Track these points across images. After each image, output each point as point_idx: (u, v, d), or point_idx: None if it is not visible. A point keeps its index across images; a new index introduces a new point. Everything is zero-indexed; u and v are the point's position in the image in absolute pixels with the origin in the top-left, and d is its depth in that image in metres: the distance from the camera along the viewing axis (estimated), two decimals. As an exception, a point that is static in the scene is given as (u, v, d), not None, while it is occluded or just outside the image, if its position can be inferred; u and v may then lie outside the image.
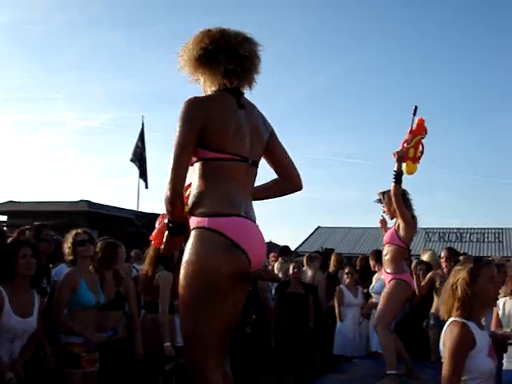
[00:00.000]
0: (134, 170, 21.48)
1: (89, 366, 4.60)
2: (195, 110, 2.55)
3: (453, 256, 6.85)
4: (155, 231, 3.31)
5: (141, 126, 21.67)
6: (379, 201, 5.52)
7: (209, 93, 2.68)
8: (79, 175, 47.44)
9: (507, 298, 4.93)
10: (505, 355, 3.97)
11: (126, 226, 17.14)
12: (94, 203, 20.96)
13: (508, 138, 66.13)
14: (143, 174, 21.24)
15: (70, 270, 4.76)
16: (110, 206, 21.84)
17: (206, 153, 2.55)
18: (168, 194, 2.48)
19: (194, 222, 2.51)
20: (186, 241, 2.54)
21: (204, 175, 2.56)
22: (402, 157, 5.06)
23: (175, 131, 2.53)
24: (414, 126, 5.19)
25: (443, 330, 3.02)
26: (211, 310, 2.45)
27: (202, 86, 2.74)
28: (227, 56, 2.62)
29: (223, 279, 2.41)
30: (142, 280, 5.53)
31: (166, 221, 2.61)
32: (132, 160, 21.20)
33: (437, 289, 6.97)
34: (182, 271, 2.48)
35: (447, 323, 3.01)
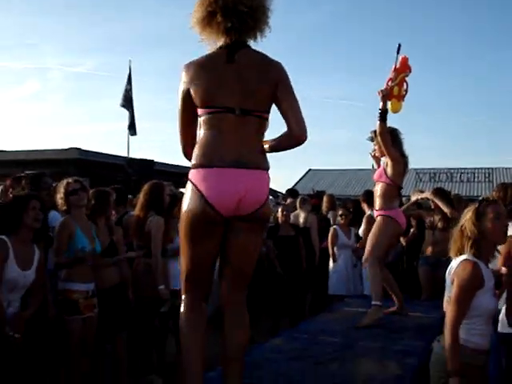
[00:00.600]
0: (124, 115, 21.30)
1: (87, 311, 4.69)
2: (183, 76, 2.83)
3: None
4: None
5: (128, 70, 21.36)
6: (371, 139, 5.52)
7: (210, 50, 2.86)
8: (68, 123, 47.04)
9: None
10: None
11: (116, 173, 17.08)
12: (84, 150, 20.75)
13: (498, 79, 65.86)
14: (131, 122, 21.05)
15: (65, 218, 4.79)
16: (100, 153, 21.65)
17: (197, 111, 2.81)
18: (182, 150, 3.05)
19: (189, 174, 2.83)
20: None
21: (199, 130, 2.84)
22: (386, 95, 5.06)
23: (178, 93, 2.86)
24: (398, 64, 5.16)
25: (453, 267, 3.07)
26: (185, 248, 2.85)
27: (209, 45, 2.87)
28: (225, 14, 2.74)
29: (191, 226, 2.76)
30: (134, 225, 5.55)
31: None
32: (123, 105, 20.97)
33: (426, 228, 7.07)
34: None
35: (458, 261, 3.06)
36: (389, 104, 5.13)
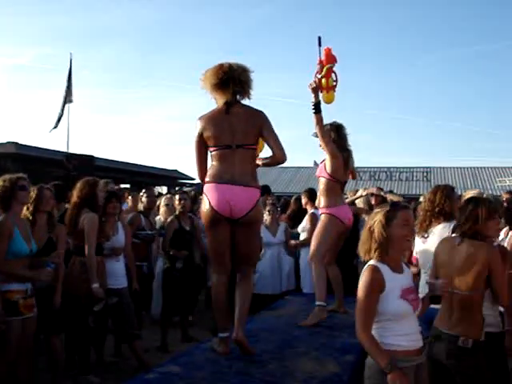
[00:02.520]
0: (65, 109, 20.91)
1: (27, 311, 4.55)
2: (198, 125, 4.17)
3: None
4: None
5: (69, 64, 20.97)
6: (316, 134, 5.41)
7: (217, 105, 4.22)
8: (6, 116, 45.63)
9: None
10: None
11: (56, 168, 16.71)
12: (22, 145, 20.20)
13: (438, 79, 67.65)
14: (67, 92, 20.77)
15: (3, 218, 4.58)
16: (38, 148, 21.14)
17: (210, 148, 4.16)
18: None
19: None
20: None
21: (211, 161, 4.19)
22: (316, 87, 5.09)
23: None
24: (323, 56, 5.16)
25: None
26: (208, 237, 4.32)
27: (214, 99, 4.24)
28: (234, 83, 4.13)
29: (206, 222, 4.16)
30: (67, 223, 5.40)
31: None
32: (69, 101, 20.64)
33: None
34: None
35: (364, 267, 3.09)
36: (321, 96, 5.15)
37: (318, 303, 5.21)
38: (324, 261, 5.35)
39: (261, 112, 4.21)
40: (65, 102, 20.95)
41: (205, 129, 4.12)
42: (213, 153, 4.14)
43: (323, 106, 5.18)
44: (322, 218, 5.42)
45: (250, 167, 4.17)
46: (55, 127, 21.25)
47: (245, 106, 4.22)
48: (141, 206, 7.29)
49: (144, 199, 7.21)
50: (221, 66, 4.17)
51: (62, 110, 21.01)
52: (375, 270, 3.00)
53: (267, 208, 7.77)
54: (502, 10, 71.28)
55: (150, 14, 69.64)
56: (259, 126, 4.15)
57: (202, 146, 4.19)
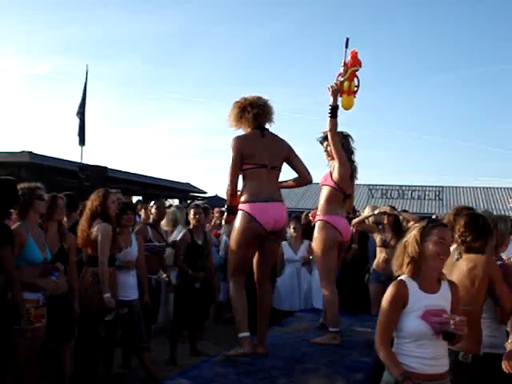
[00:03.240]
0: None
1: (37, 321, 4.56)
2: (237, 143, 4.55)
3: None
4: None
5: (85, 75, 21.13)
6: (322, 139, 5.37)
7: (246, 132, 4.66)
8: (21, 125, 46.00)
9: None
10: None
11: (69, 179, 16.79)
12: (36, 154, 20.30)
13: (450, 98, 67.55)
14: (81, 130, 20.83)
15: (18, 226, 4.63)
16: (52, 158, 21.24)
17: (244, 166, 4.54)
18: (228, 191, 4.59)
19: (239, 206, 4.54)
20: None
21: (244, 179, 4.60)
22: (336, 90, 4.96)
23: (229, 155, 4.53)
24: (348, 59, 5.00)
25: None
26: (240, 251, 4.55)
27: (243, 130, 4.68)
28: (251, 106, 4.60)
29: (247, 237, 4.47)
30: (79, 234, 5.42)
31: (225, 205, 4.76)
32: (77, 114, 20.76)
33: (375, 245, 7.13)
34: (232, 232, 4.61)
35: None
36: (340, 100, 5.01)
37: (330, 329, 5.14)
38: (333, 280, 5.24)
39: (286, 141, 4.77)
40: (82, 114, 21.03)
41: (245, 147, 4.53)
42: (248, 171, 4.55)
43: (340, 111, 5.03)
44: (317, 224, 5.29)
45: (278, 186, 4.74)
46: (81, 141, 21.18)
47: (272, 133, 4.71)
48: (150, 218, 7.28)
49: (153, 211, 7.19)
50: (236, 101, 4.72)
51: (82, 121, 21.08)
52: (401, 285, 2.98)
53: (291, 225, 7.74)
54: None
55: (162, 27, 70.12)
56: (287, 152, 4.72)
57: (239, 164, 4.54)
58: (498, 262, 3.83)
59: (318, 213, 5.33)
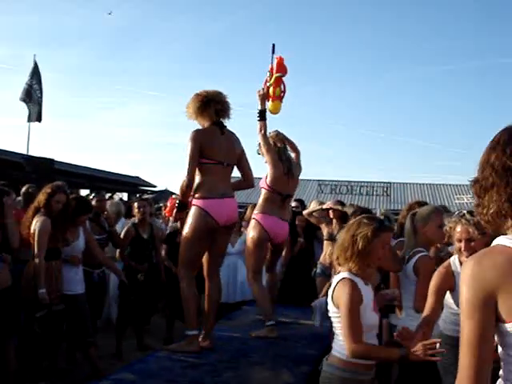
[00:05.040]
0: (25, 111, 20.50)
1: None
2: (197, 136, 4.55)
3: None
4: (168, 208, 6.36)
5: (33, 65, 20.60)
6: (260, 152, 5.53)
7: (205, 126, 4.69)
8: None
9: None
10: None
11: (14, 171, 16.40)
12: (-22, 146, 19.76)
13: (401, 96, 68.82)
14: (39, 115, 20.33)
15: None
16: (-3, 149, 20.72)
17: (202, 160, 4.54)
18: (185, 183, 4.48)
19: (193, 201, 4.58)
20: (186, 214, 4.64)
21: (200, 173, 4.57)
22: (263, 95, 5.23)
23: (187, 148, 4.50)
24: (274, 65, 5.21)
25: (332, 285, 3.11)
26: (194, 246, 4.58)
27: (200, 124, 4.71)
28: (214, 101, 4.66)
29: (201, 232, 4.52)
30: (23, 226, 5.30)
31: (177, 201, 4.78)
32: (23, 100, 20.19)
33: (321, 239, 7.19)
34: (186, 226, 4.58)
35: (337, 278, 3.09)
36: (268, 104, 5.25)
37: (267, 324, 5.18)
38: (258, 277, 5.40)
39: (240, 141, 4.89)
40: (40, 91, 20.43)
41: (204, 141, 4.55)
42: (205, 166, 4.56)
43: (272, 116, 5.29)
44: (251, 223, 5.52)
45: (230, 183, 4.83)
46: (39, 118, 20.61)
47: (229, 130, 4.79)
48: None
49: (94, 203, 7.04)
50: (197, 94, 4.73)
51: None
52: (354, 284, 3.02)
53: None
54: (471, 29, 73.09)
55: (113, 20, 69.07)
56: (240, 152, 4.85)
57: (197, 156, 4.52)
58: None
59: (255, 211, 5.50)
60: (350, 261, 3.08)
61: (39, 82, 20.55)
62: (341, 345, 3.02)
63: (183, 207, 4.68)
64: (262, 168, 5.35)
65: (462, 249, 3.39)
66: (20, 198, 6.81)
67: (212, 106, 4.66)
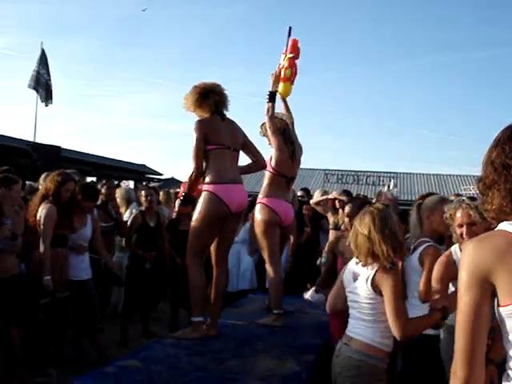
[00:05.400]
0: (33, 98, 20.55)
1: None
2: (201, 125, 4.58)
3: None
4: (179, 193, 5.64)
5: (40, 51, 20.61)
6: (261, 126, 5.51)
7: (205, 116, 4.67)
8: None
9: None
10: None
11: (21, 158, 16.45)
12: (-15, 132, 19.81)
13: (408, 87, 68.52)
14: (48, 97, 20.37)
15: None
16: (3, 136, 20.79)
17: (208, 146, 4.53)
18: (194, 173, 4.51)
19: (204, 187, 4.53)
20: (192, 209, 4.72)
21: (208, 160, 4.55)
22: (277, 77, 5.25)
23: (192, 137, 4.53)
24: (289, 47, 5.27)
25: (371, 274, 3.03)
26: (205, 232, 4.51)
27: (199, 116, 4.68)
28: (214, 93, 4.66)
29: (213, 218, 4.46)
30: (30, 213, 5.32)
31: (182, 193, 4.84)
32: (32, 87, 20.22)
33: (326, 229, 7.18)
34: (196, 213, 4.52)
35: (372, 268, 3.05)
36: (280, 86, 5.27)
37: (275, 311, 5.17)
38: (276, 261, 5.29)
39: (241, 127, 4.89)
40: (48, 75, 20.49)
41: (209, 129, 4.57)
42: (213, 151, 4.55)
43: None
44: (257, 207, 5.39)
45: (239, 169, 4.82)
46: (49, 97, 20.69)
47: (229, 118, 4.79)
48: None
49: (103, 191, 7.06)
50: (195, 86, 4.74)
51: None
52: (397, 270, 3.11)
53: None
54: (479, 19, 72.49)
55: (119, 9, 68.65)
56: (244, 137, 4.84)
57: (203, 146, 4.53)
58: None
59: (260, 196, 5.40)
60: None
61: (47, 68, 20.58)
62: (367, 329, 3.04)
63: (188, 201, 4.70)
64: (265, 151, 5.32)
65: (464, 233, 3.37)
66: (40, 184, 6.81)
67: (211, 97, 4.66)
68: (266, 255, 5.31)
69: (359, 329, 3.08)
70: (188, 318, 5.69)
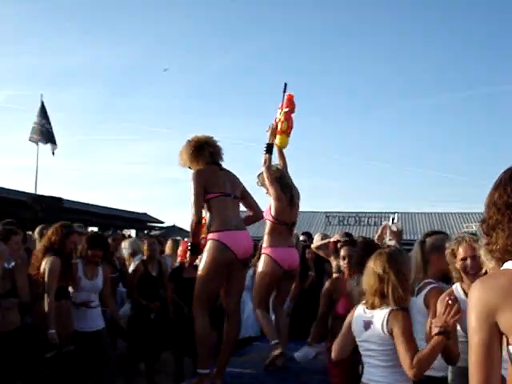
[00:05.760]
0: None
1: None
2: (199, 175, 4.67)
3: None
4: (181, 252, 6.71)
5: (40, 104, 20.84)
6: (260, 184, 5.65)
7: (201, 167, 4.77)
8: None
9: None
10: None
11: (22, 210, 16.49)
12: (-15, 184, 19.88)
13: (411, 125, 69.11)
14: (54, 145, 20.52)
15: None
16: (4, 189, 20.87)
17: (209, 195, 4.62)
18: (193, 221, 4.56)
19: (208, 236, 4.56)
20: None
21: (210, 209, 4.65)
22: (274, 129, 5.44)
23: (191, 188, 4.59)
24: (285, 102, 5.50)
25: (383, 318, 3.08)
26: (211, 280, 4.51)
27: (194, 168, 4.78)
28: (208, 145, 4.83)
29: (218, 266, 4.47)
30: (33, 266, 5.30)
31: (189, 244, 4.80)
32: (32, 139, 20.38)
33: (329, 272, 7.11)
34: (202, 262, 4.54)
35: (385, 312, 3.09)
36: (277, 139, 5.47)
37: (272, 343, 5.13)
38: (262, 305, 5.37)
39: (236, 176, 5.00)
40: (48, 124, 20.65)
41: (207, 178, 4.67)
42: (214, 200, 4.63)
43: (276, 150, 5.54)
44: (261, 257, 5.47)
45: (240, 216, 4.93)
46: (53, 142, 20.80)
47: (226, 169, 4.93)
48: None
49: (110, 241, 7.07)
50: (189, 140, 4.90)
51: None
52: (406, 313, 3.17)
53: None
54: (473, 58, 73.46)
55: (114, 59, 69.55)
56: (242, 187, 4.97)
57: (203, 195, 4.60)
58: None
59: (264, 245, 5.48)
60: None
61: (47, 118, 20.77)
62: (389, 375, 3.06)
63: (196, 249, 4.68)
64: (263, 200, 5.41)
65: (469, 266, 3.34)
66: (34, 237, 6.83)
67: (206, 148, 4.81)
68: (256, 299, 5.41)
69: (380, 376, 3.09)
70: (193, 366, 5.63)
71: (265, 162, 5.35)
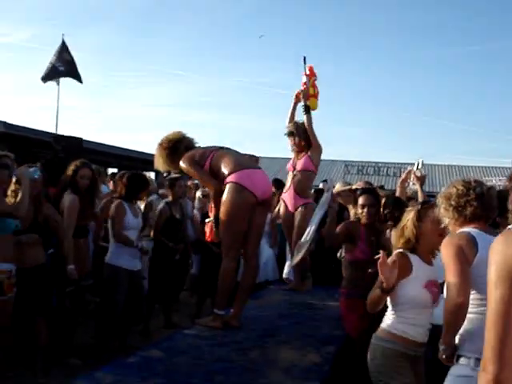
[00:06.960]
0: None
1: (9, 291, 4.52)
2: (187, 160, 4.73)
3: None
4: (208, 233, 6.96)
5: (60, 43, 20.68)
6: (291, 133, 6.33)
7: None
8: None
9: None
10: None
11: (44, 149, 16.57)
12: (10, 124, 19.92)
13: (431, 76, 67.86)
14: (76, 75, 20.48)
15: None
16: (26, 128, 20.90)
17: (204, 163, 4.67)
18: (212, 194, 4.77)
19: (225, 181, 4.48)
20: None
21: (216, 165, 4.63)
22: (306, 94, 6.40)
23: (188, 171, 4.82)
24: (308, 71, 6.56)
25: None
26: (236, 224, 4.48)
27: (175, 169, 5.13)
28: (180, 143, 4.88)
29: (240, 209, 4.43)
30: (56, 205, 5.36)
31: (212, 218, 4.96)
32: (43, 79, 20.32)
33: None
34: (222, 206, 4.48)
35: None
36: (310, 102, 6.39)
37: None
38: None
39: None
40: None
41: (194, 155, 4.76)
42: (213, 158, 4.64)
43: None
44: (307, 207, 5.97)
45: None
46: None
47: None
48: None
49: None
50: (159, 144, 4.98)
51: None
52: (402, 256, 3.08)
53: None
54: (498, 10, 71.39)
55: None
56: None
57: (202, 168, 4.69)
58: None
59: (303, 196, 6.18)
60: (402, 244, 3.17)
61: (69, 55, 20.61)
62: (388, 317, 3.13)
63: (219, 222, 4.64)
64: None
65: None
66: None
67: (179, 146, 4.89)
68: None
69: (385, 317, 3.16)
70: (211, 307, 5.73)
71: (308, 123, 6.25)
